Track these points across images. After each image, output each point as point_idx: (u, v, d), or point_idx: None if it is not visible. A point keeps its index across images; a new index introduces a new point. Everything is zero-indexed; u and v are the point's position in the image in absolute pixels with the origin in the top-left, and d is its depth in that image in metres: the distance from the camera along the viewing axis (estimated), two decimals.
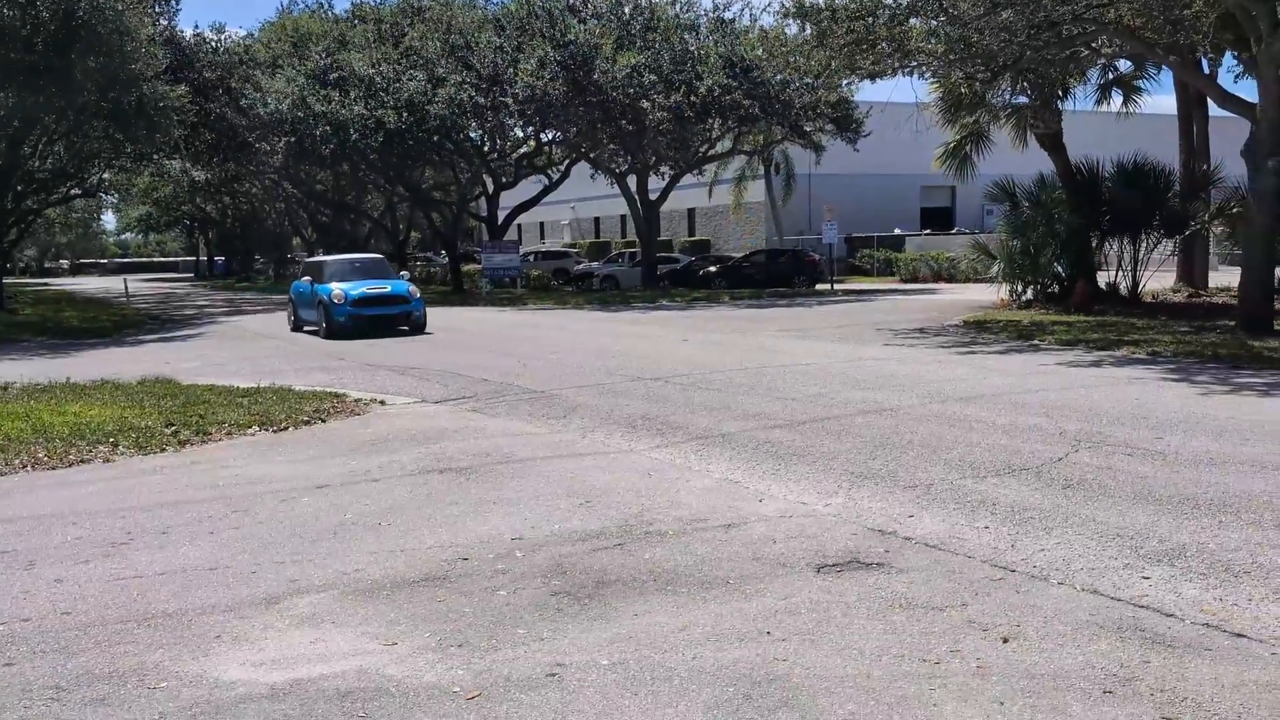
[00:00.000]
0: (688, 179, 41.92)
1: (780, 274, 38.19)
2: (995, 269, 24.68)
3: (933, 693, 3.71)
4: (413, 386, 12.74)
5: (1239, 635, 4.16)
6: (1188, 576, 4.88)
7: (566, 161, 41.19)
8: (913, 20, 18.26)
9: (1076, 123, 29.71)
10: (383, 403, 11.24)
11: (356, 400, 11.28)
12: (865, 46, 18.33)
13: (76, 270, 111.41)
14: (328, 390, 11.97)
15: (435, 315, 24.06)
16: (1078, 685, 3.73)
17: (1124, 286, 22.93)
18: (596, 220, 62.82)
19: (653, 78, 31.84)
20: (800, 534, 5.83)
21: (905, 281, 39.33)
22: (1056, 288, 22.93)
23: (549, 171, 42.57)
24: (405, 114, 33.94)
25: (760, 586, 4.97)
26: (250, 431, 9.67)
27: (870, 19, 17.43)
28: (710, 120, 33.85)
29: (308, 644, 4.44)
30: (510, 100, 33.10)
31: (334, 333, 20.56)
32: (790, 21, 21.47)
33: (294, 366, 15.39)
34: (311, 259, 28.33)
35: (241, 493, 7.26)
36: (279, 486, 7.41)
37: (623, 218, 55.95)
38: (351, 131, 34.52)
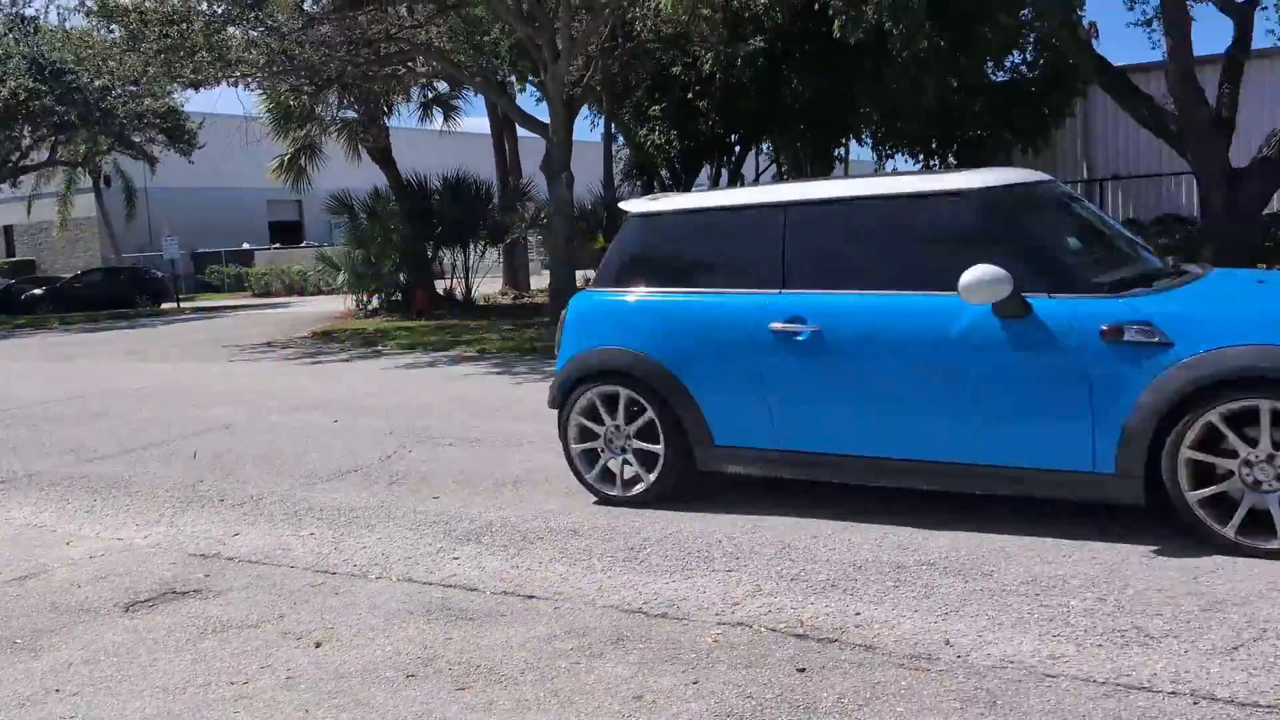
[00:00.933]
0: (2, 193, 36.81)
1: (120, 294, 35.08)
2: (340, 280, 25.09)
3: (237, 715, 3.59)
4: None
5: (530, 597, 4.61)
6: (492, 550, 5.31)
7: None
8: (232, 30, 17.76)
9: (414, 139, 31.24)
10: None
11: None
12: (183, 54, 17.46)
13: None
14: None
15: None
16: (384, 675, 3.84)
17: (460, 292, 24.56)
18: None
19: None
20: (112, 573, 5.34)
21: (258, 296, 38.43)
22: (400, 296, 23.92)
23: None
24: None
25: (55, 640, 4.44)
26: None
27: (184, 25, 16.55)
28: (18, 127, 30.04)
29: None
30: None
31: None
32: (99, 22, 19.75)
33: None
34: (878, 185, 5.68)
35: None
36: None
37: None
38: None
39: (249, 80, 19.57)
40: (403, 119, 28.51)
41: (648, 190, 26.33)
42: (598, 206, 25.28)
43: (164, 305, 34.61)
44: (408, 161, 25.07)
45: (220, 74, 18.46)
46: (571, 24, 16.57)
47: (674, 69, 22.28)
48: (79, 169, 39.77)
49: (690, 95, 22.48)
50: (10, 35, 30.32)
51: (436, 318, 21.51)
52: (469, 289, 24.51)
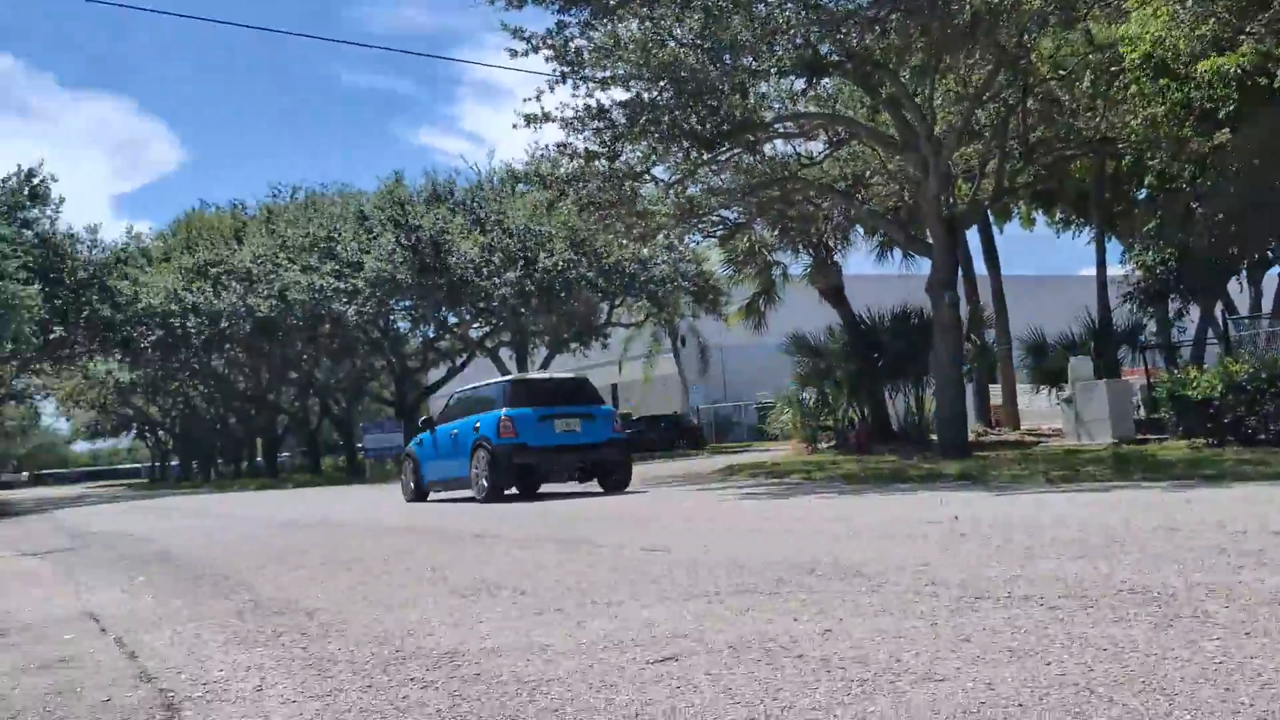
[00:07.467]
0: (605, 356, 44.99)
1: (663, 438, 40.84)
2: (785, 418, 25.40)
3: None
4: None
5: None
6: None
7: (473, 348, 42.59)
8: (646, 187, 18.82)
9: (871, 283, 30.95)
10: None
11: None
12: (607, 210, 18.44)
13: (36, 480, 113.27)
14: None
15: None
16: None
17: (901, 426, 23.16)
18: None
19: (501, 257, 33.68)
20: None
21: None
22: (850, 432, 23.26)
23: (455, 357, 45.51)
24: (277, 302, 35.83)
25: None
26: None
27: (579, 183, 17.36)
28: (557, 294, 34.55)
29: None
30: (361, 283, 34.77)
31: None
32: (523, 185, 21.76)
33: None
34: None
35: None
36: None
37: None
38: (223, 321, 36.50)
39: (665, 231, 20.67)
40: (859, 264, 28.40)
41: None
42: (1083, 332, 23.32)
43: (692, 449, 38.71)
44: (869, 304, 24.52)
45: (644, 229, 19.68)
46: (938, 145, 16.30)
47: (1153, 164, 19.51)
48: (656, 330, 45.03)
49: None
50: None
51: (871, 452, 20.79)
52: (920, 422, 22.98)
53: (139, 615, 5.50)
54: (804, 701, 2.89)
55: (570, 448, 15.18)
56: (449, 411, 17.32)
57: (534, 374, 18.66)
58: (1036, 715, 2.64)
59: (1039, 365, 23.83)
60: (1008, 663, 3.18)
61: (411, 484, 17.65)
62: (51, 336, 36.55)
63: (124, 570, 8.26)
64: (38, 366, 41.70)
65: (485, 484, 15.03)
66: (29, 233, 34.45)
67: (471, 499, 15.56)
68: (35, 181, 35.70)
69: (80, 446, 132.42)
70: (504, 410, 15.09)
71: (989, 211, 25.25)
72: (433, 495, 17.74)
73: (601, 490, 15.71)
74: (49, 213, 36.43)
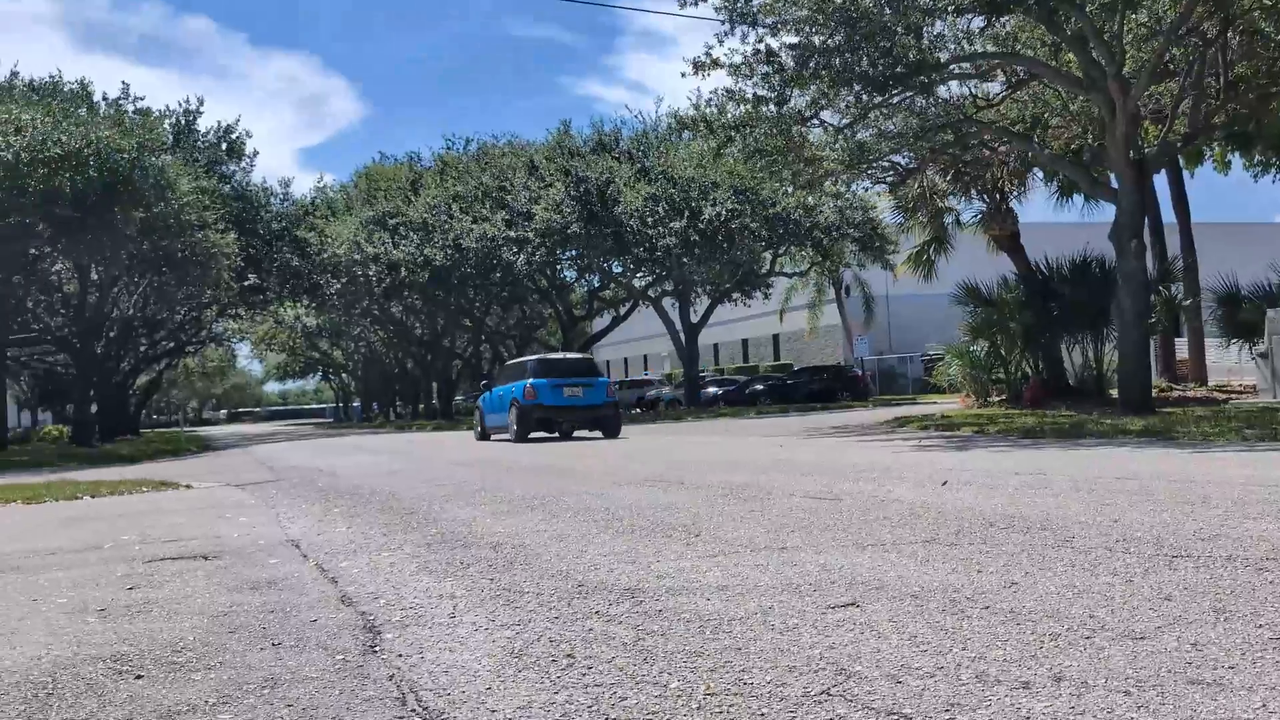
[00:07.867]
0: (766, 306, 45.63)
1: (824, 390, 40.30)
2: (954, 370, 24.62)
3: None
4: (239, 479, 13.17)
5: None
6: None
7: (637, 297, 43.16)
8: (814, 133, 18.47)
9: (1050, 233, 30.12)
10: (189, 487, 11.55)
11: (185, 486, 11.59)
12: (774, 156, 18.37)
13: (233, 418, 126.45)
14: (174, 482, 12.15)
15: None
16: None
17: (1078, 380, 22.12)
18: (715, 346, 64.04)
19: (665, 206, 34.04)
20: None
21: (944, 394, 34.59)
22: (1023, 386, 22.42)
23: (619, 306, 46.17)
24: (451, 251, 37.50)
25: None
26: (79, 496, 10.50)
27: (747, 130, 17.10)
28: (720, 244, 34.75)
29: None
30: (531, 234, 35.88)
31: None
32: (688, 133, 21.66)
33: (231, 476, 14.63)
34: None
35: None
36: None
37: (745, 342, 61.49)
38: (401, 270, 38.49)
39: (834, 178, 20.30)
40: (1036, 211, 27.54)
41: None
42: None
43: (855, 400, 37.90)
44: (1047, 253, 23.35)
45: (811, 175, 19.43)
46: (1126, 84, 15.32)
47: None
48: (821, 280, 44.95)
49: None
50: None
51: (1043, 406, 19.94)
52: (1099, 377, 21.82)
53: (335, 544, 5.85)
54: (995, 653, 2.83)
55: (575, 407, 21.09)
56: (499, 377, 23.97)
57: (552, 354, 25.37)
58: (1252, 679, 2.52)
59: (1231, 318, 22.42)
60: (1214, 623, 3.05)
61: (479, 428, 23.55)
62: (246, 283, 39.00)
63: (318, 502, 8.79)
64: (234, 311, 44.50)
65: (515, 429, 20.78)
66: (227, 186, 36.48)
67: (543, 439, 20.99)
68: (232, 137, 37.98)
69: (271, 387, 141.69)
70: (529, 380, 20.85)
71: (1179, 154, 23.69)
72: (494, 437, 22.67)
73: (601, 435, 21.20)
74: (244, 166, 38.82)
